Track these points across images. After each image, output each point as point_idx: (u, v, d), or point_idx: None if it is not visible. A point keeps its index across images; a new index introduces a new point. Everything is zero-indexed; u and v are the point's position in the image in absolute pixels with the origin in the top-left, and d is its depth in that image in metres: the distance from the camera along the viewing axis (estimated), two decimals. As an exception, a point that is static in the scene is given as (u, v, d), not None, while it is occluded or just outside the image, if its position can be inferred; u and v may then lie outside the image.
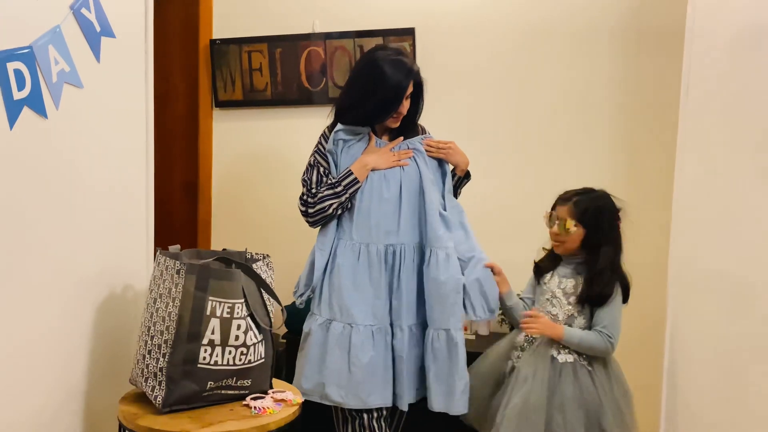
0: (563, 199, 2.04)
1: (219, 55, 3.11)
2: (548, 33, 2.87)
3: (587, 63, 2.85)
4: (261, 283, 1.80)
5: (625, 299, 2.01)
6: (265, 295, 1.86)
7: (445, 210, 2.12)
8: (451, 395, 2.01)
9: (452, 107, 2.97)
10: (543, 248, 2.17)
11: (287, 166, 3.03)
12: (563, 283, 2.05)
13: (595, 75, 2.84)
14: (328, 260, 2.10)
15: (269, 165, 3.17)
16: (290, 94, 3.08)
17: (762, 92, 1.44)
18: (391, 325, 2.05)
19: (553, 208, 2.07)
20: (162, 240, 3.37)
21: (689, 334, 1.81)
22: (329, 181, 2.12)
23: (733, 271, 1.62)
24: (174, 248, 1.89)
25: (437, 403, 2.02)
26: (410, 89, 2.11)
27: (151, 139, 2.11)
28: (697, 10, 1.76)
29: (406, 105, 2.12)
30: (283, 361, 2.73)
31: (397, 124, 2.17)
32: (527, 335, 2.07)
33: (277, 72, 3.07)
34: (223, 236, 3.25)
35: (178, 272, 1.68)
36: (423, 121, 2.92)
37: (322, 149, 2.18)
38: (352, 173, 2.07)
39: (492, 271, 2.10)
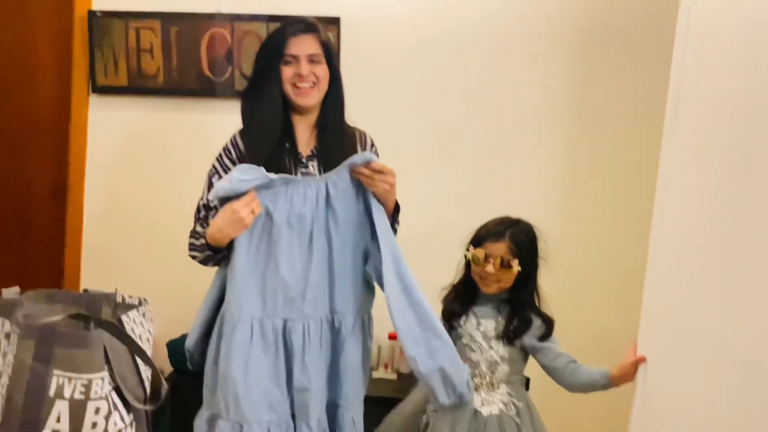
0: (495, 234, 1.76)
1: (100, 31, 2.54)
2: (494, 32, 2.54)
3: (540, 72, 2.53)
4: (132, 347, 1.33)
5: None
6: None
7: (372, 260, 1.65)
8: None
9: (378, 112, 2.58)
10: (449, 286, 1.87)
11: (182, 169, 2.53)
12: (482, 325, 1.78)
13: (548, 86, 2.53)
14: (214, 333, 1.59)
15: (159, 167, 2.64)
16: (187, 83, 2.57)
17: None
18: (293, 417, 1.59)
19: (478, 244, 1.78)
20: (18, 260, 2.78)
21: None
22: (201, 225, 1.64)
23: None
24: (11, 292, 1.38)
25: None
26: (307, 49, 1.61)
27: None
28: (693, 11, 1.44)
29: (306, 67, 1.61)
30: (167, 412, 2.24)
31: (309, 100, 1.64)
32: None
33: (172, 56, 2.55)
34: (97, 256, 2.68)
35: (7, 336, 1.19)
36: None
37: (224, 161, 1.67)
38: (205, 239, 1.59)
39: None
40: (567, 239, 2.54)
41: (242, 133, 1.72)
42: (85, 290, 1.51)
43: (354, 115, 2.55)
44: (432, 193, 2.60)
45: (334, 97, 1.71)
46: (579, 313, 2.53)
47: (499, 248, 1.74)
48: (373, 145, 1.79)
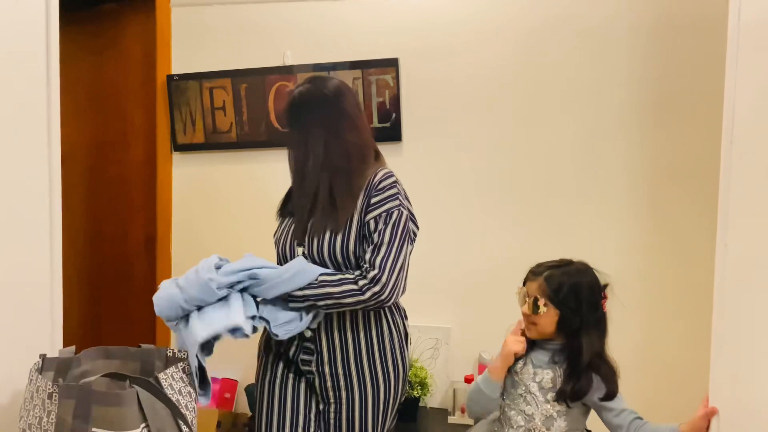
0: (534, 273, 1.67)
1: (177, 93, 2.73)
2: (555, 61, 2.45)
3: (601, 100, 2.41)
4: (167, 404, 1.37)
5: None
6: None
7: None
8: None
9: (441, 147, 2.55)
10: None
11: (257, 216, 2.63)
12: (539, 375, 1.65)
13: (611, 113, 2.41)
14: None
15: (237, 216, 2.76)
16: (258, 136, 2.69)
17: None
18: None
19: (525, 283, 1.69)
20: (118, 305, 3.02)
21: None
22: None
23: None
24: (66, 351, 1.48)
25: None
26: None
27: (57, 204, 1.69)
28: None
29: None
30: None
31: None
32: None
33: (243, 111, 2.68)
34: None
35: (50, 396, 1.27)
36: (406, 161, 2.53)
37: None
38: None
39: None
40: (653, 266, 2.36)
41: None
42: (139, 345, 1.59)
43: (413, 151, 2.55)
44: (490, 229, 2.52)
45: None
46: (671, 352, 2.32)
47: (532, 287, 1.64)
48: (381, 182, 1.63)
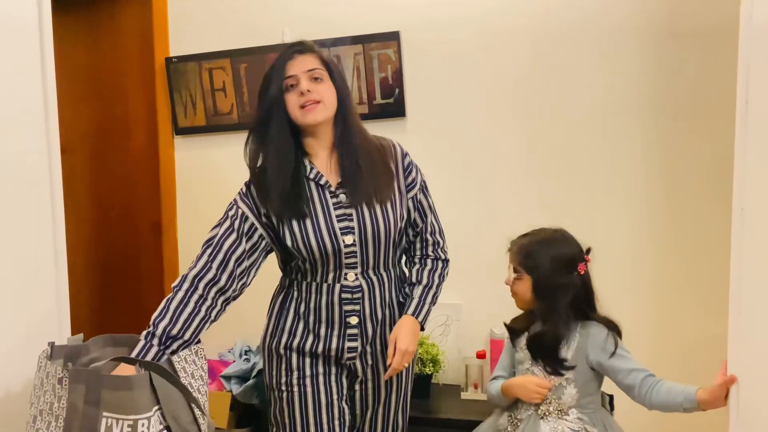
0: (511, 243, 1.72)
1: (177, 76, 2.69)
2: (563, 33, 2.38)
3: (613, 71, 2.34)
4: (179, 387, 1.36)
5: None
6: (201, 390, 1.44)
7: None
8: None
9: (446, 122, 2.51)
10: None
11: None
12: None
13: (621, 84, 2.34)
14: None
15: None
16: (259, 117, 2.65)
17: None
18: None
19: None
20: (128, 292, 3.01)
21: None
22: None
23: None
24: (74, 339, 1.47)
25: None
26: (305, 66, 1.53)
27: (59, 193, 1.67)
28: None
29: (307, 83, 1.51)
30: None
31: (316, 116, 1.52)
32: (510, 417, 1.67)
33: (243, 91, 2.64)
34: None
35: (60, 381, 1.26)
36: (410, 137, 2.50)
37: (241, 206, 1.69)
38: None
39: None
40: (666, 241, 2.32)
41: (251, 179, 1.63)
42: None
43: (418, 127, 2.51)
44: (498, 204, 2.48)
45: (344, 118, 1.59)
46: (686, 320, 2.30)
47: (508, 257, 1.69)
48: (406, 155, 1.67)
